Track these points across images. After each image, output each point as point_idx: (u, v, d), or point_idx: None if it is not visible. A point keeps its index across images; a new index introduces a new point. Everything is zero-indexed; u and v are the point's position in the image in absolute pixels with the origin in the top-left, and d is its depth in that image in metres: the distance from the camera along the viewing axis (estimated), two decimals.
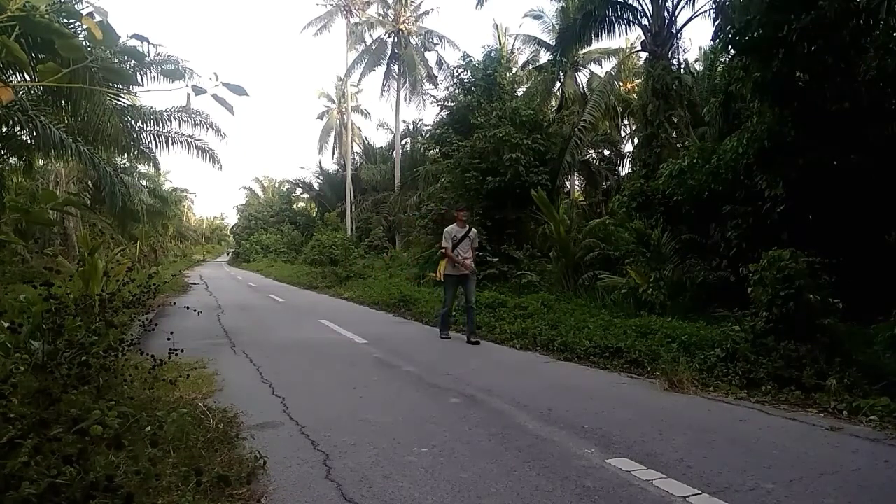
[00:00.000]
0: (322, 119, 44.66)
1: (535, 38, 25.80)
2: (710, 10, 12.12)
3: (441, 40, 29.89)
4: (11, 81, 6.76)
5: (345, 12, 32.24)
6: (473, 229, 8.34)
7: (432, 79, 29.57)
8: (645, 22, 13.35)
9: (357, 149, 41.37)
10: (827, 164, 6.88)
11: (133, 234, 26.08)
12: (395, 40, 30.30)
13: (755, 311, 5.58)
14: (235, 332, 8.96)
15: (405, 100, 30.49)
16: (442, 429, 3.93)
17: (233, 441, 3.54)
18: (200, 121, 16.30)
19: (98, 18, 1.59)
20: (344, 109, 39.25)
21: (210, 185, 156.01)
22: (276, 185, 59.41)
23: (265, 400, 4.79)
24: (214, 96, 1.72)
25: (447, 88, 20.33)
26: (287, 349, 7.52)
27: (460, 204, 8.47)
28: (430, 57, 30.33)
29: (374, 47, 30.74)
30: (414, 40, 30.30)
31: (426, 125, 26.07)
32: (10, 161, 12.98)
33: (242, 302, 15.25)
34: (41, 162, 16.80)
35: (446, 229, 8.23)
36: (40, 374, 3.38)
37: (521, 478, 3.05)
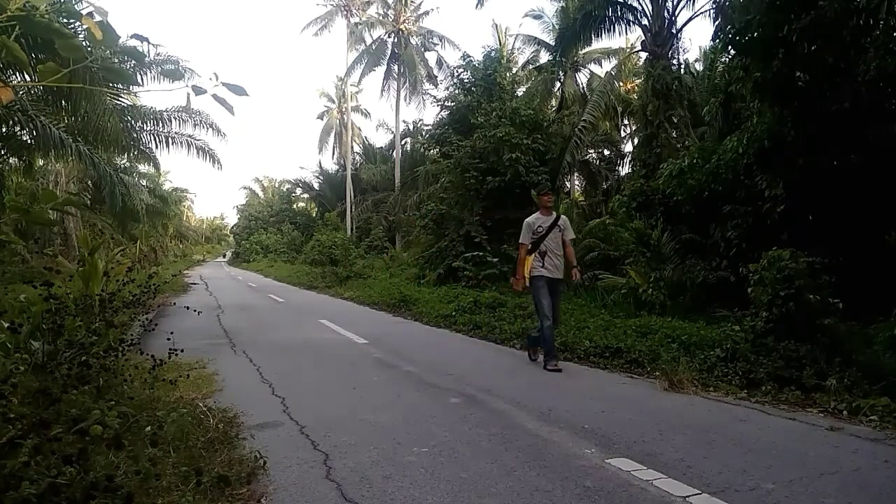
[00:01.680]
0: (322, 119, 44.73)
1: (535, 38, 25.82)
2: (710, 10, 12.15)
3: (441, 40, 29.93)
4: (11, 81, 6.76)
5: (345, 12, 32.26)
6: (564, 216, 6.35)
7: (432, 79, 29.59)
8: (645, 22, 13.36)
9: (357, 149, 41.38)
10: (827, 164, 6.88)
11: (133, 234, 26.10)
12: (395, 40, 30.31)
13: (755, 311, 5.58)
14: (235, 332, 8.96)
15: (405, 100, 30.52)
16: (442, 429, 3.93)
17: (233, 441, 3.54)
18: (200, 121, 16.32)
19: (98, 18, 1.59)
20: (344, 109, 39.28)
21: (210, 185, 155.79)
22: (276, 185, 59.44)
23: (265, 400, 4.79)
24: (214, 96, 1.72)
25: (447, 88, 20.37)
26: (287, 349, 7.52)
27: (543, 186, 6.37)
28: (430, 57, 30.39)
29: (374, 47, 30.75)
30: (414, 40, 30.30)
31: (426, 125, 26.09)
32: (10, 161, 12.98)
33: (242, 302, 15.26)
34: (41, 162, 16.80)
35: (527, 220, 6.28)
36: (40, 374, 3.38)
37: (521, 478, 3.05)
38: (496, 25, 25.08)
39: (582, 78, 26.24)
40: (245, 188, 63.79)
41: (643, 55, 16.09)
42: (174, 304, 12.75)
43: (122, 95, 11.50)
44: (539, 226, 6.17)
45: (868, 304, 5.89)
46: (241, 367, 6.28)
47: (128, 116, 12.41)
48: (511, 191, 14.32)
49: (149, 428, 3.23)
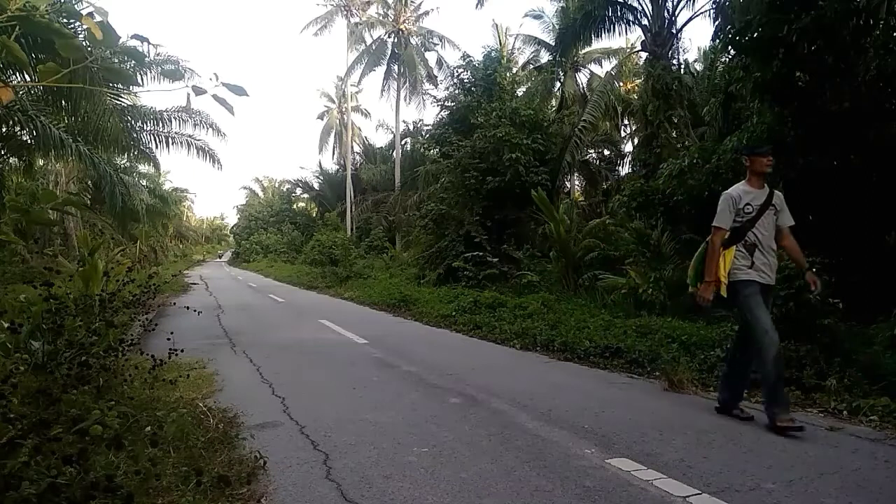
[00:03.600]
0: (322, 119, 44.71)
1: (535, 38, 25.84)
2: (710, 10, 12.13)
3: (441, 40, 29.89)
4: (11, 81, 6.76)
5: (345, 12, 32.24)
6: (779, 192, 4.32)
7: (432, 79, 29.56)
8: (645, 22, 13.38)
9: (357, 149, 41.37)
10: (827, 164, 6.87)
11: (133, 234, 26.08)
12: (395, 40, 30.30)
13: None
14: (235, 332, 8.96)
15: (405, 100, 30.52)
16: (442, 429, 3.93)
17: (233, 441, 3.54)
18: (200, 121, 16.32)
19: (98, 18, 1.59)
20: (344, 109, 39.27)
21: (210, 185, 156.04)
22: (276, 185, 59.46)
23: (265, 400, 4.79)
24: (214, 96, 1.72)
25: (447, 88, 20.33)
26: (287, 349, 7.52)
27: (760, 144, 4.69)
28: (430, 57, 30.37)
29: (374, 47, 30.74)
30: (414, 40, 30.29)
31: (426, 125, 26.07)
32: (10, 161, 12.99)
33: (242, 302, 15.25)
34: (41, 162, 16.81)
35: (729, 192, 4.22)
36: (40, 374, 3.39)
37: (521, 478, 3.05)
38: (496, 25, 25.18)
39: (582, 78, 26.27)
40: (245, 188, 63.89)
41: (643, 55, 16.10)
42: (174, 304, 12.74)
43: (122, 95, 11.50)
44: (747, 203, 4.13)
45: (868, 304, 5.88)
46: (241, 367, 6.28)
47: (128, 116, 12.39)
48: (511, 191, 14.31)
49: (149, 428, 3.23)
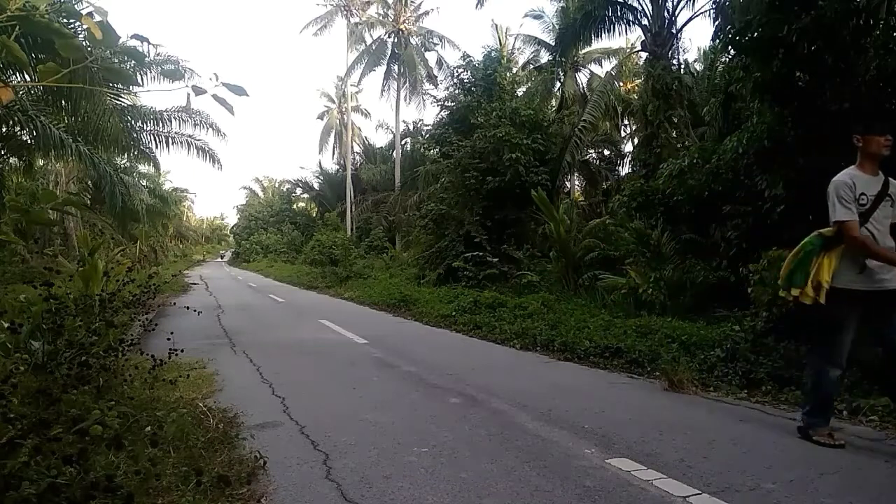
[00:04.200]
0: (322, 119, 44.73)
1: (535, 38, 25.84)
2: (710, 10, 12.14)
3: (441, 40, 29.89)
4: (11, 81, 6.76)
5: (345, 12, 32.24)
6: (893, 180, 3.59)
7: (432, 79, 29.56)
8: (645, 22, 13.38)
9: (357, 149, 41.37)
10: (827, 164, 6.86)
11: (133, 234, 26.08)
12: (395, 40, 30.30)
13: (755, 311, 5.57)
14: (235, 332, 8.96)
15: (405, 100, 30.52)
16: (442, 429, 3.93)
17: (233, 441, 3.54)
18: (200, 121, 16.32)
19: (98, 18, 1.59)
20: (344, 109, 39.28)
21: (210, 185, 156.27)
22: (276, 185, 59.49)
23: (265, 400, 4.79)
24: (214, 96, 1.72)
25: (447, 88, 20.33)
26: (287, 349, 7.52)
27: (870, 123, 3.62)
28: (430, 57, 30.37)
29: (374, 47, 30.74)
30: (414, 40, 30.29)
31: (426, 125, 26.06)
32: (10, 161, 12.99)
33: (242, 302, 15.26)
34: (41, 162, 16.81)
35: (842, 179, 3.50)
36: (40, 374, 3.38)
37: (521, 478, 3.05)
38: (496, 25, 25.19)
39: (582, 78, 26.27)
40: (245, 188, 63.91)
41: (643, 55, 16.10)
42: (174, 304, 12.75)
43: (122, 95, 11.50)
44: (862, 193, 3.46)
45: None
46: (241, 367, 6.28)
47: (128, 116, 12.39)
48: (511, 191, 14.32)
49: (149, 428, 3.23)
